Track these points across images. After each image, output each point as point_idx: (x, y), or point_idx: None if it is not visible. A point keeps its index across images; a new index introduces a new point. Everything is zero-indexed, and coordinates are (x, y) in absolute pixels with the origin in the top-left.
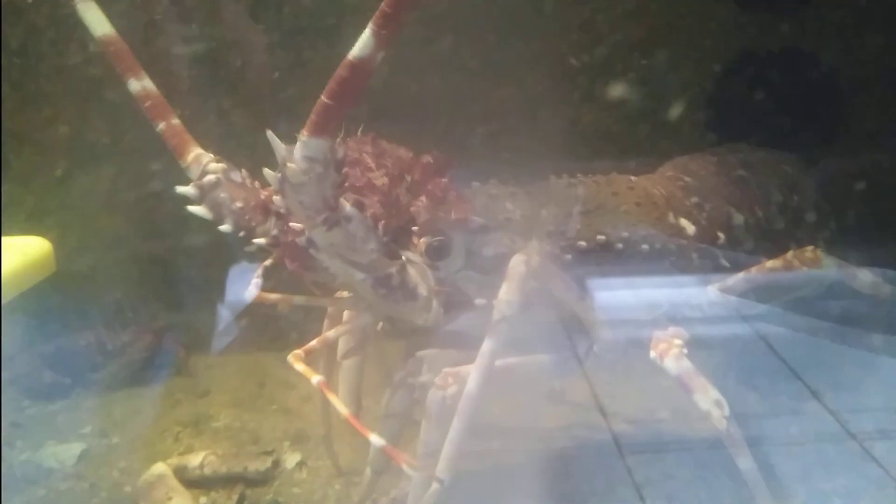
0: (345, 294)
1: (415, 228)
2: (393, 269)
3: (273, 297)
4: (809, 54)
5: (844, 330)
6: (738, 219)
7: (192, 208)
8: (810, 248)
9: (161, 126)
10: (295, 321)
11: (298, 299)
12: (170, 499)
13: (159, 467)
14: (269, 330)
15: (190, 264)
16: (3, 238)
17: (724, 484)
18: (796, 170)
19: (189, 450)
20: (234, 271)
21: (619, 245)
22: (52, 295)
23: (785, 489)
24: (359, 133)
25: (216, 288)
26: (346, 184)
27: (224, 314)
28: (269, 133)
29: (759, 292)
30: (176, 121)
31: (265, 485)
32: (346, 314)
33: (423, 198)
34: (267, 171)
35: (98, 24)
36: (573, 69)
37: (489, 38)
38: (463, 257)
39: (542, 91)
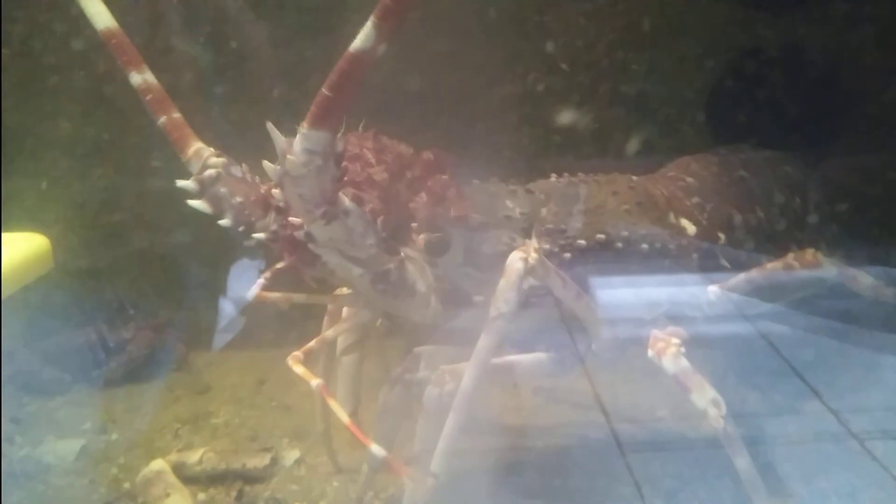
0: (344, 291)
1: (414, 225)
2: (391, 265)
3: (274, 296)
4: (809, 52)
5: (845, 329)
6: (739, 219)
7: (192, 202)
8: (810, 250)
9: (162, 120)
10: (295, 318)
11: (298, 297)
12: (168, 495)
13: (158, 464)
14: (269, 327)
15: (191, 261)
16: (1, 234)
17: (724, 482)
18: (798, 171)
19: (188, 446)
20: (235, 268)
21: (619, 244)
22: (52, 291)
23: (785, 488)
24: (360, 128)
25: (217, 285)
26: (346, 178)
27: (226, 311)
28: (269, 125)
29: (760, 293)
30: (177, 115)
31: (263, 481)
32: (345, 311)
33: (422, 194)
34: (266, 164)
35: (100, 17)
36: (573, 69)
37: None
38: (462, 254)
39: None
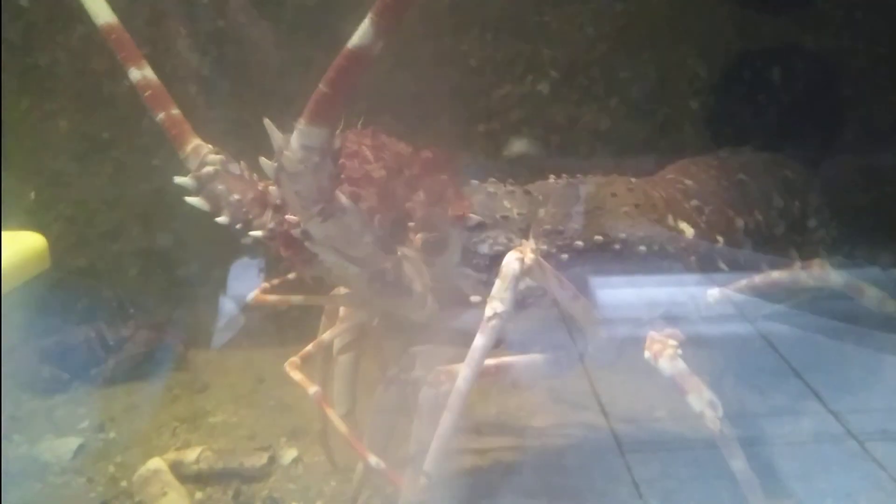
0: (342, 291)
1: (411, 224)
2: (388, 264)
3: (272, 298)
4: (808, 54)
5: (846, 329)
6: (738, 223)
7: (189, 199)
8: (818, 260)
9: (161, 116)
10: (294, 317)
11: (296, 300)
12: (165, 494)
13: (155, 462)
14: (268, 326)
15: (190, 259)
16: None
17: (722, 482)
18: (798, 175)
19: (186, 445)
20: (235, 267)
21: (617, 246)
22: (51, 289)
23: (784, 489)
24: (359, 126)
25: (216, 283)
26: (343, 175)
27: (225, 310)
28: (267, 121)
29: (762, 298)
30: (176, 111)
31: (261, 481)
32: (342, 311)
33: (420, 193)
34: (263, 161)
35: (100, 11)
36: (573, 67)
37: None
38: (459, 254)
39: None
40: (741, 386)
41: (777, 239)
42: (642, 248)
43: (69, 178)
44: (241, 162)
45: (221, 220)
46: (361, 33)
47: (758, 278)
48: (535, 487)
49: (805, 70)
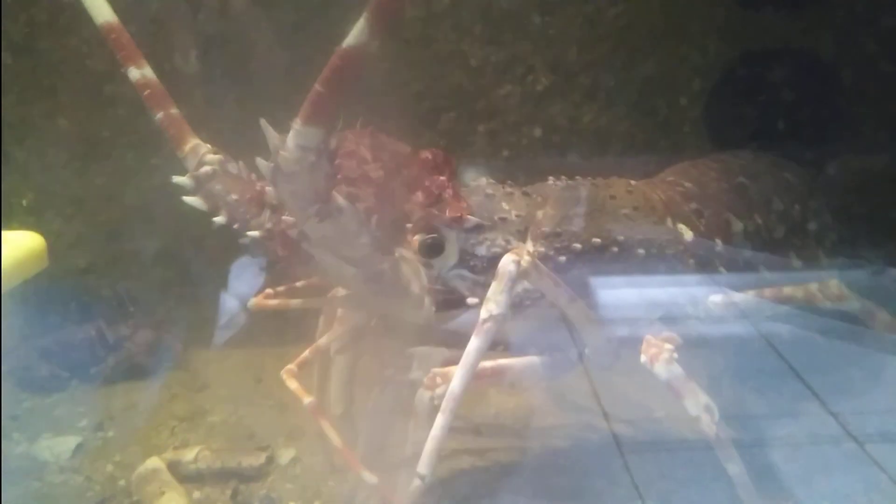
0: (340, 292)
1: (409, 225)
2: (385, 265)
3: (271, 303)
4: (809, 55)
5: (846, 330)
6: (738, 226)
7: (187, 199)
8: (834, 281)
9: (159, 115)
10: (293, 316)
11: (295, 303)
12: (163, 493)
13: (153, 461)
14: (268, 325)
15: (190, 259)
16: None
17: (721, 483)
18: (798, 178)
19: (184, 444)
20: (234, 266)
21: (615, 248)
22: (51, 288)
23: (784, 490)
24: (357, 126)
25: (216, 283)
26: (341, 175)
27: (224, 309)
28: (263, 121)
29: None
30: (175, 111)
31: (259, 480)
32: (339, 313)
33: (418, 194)
34: (260, 161)
35: (100, 11)
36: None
37: None
38: (456, 256)
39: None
40: (741, 387)
41: (777, 242)
42: (641, 250)
43: (69, 178)
44: (240, 162)
45: (219, 219)
46: (356, 33)
47: (767, 291)
48: (534, 488)
49: (805, 71)
